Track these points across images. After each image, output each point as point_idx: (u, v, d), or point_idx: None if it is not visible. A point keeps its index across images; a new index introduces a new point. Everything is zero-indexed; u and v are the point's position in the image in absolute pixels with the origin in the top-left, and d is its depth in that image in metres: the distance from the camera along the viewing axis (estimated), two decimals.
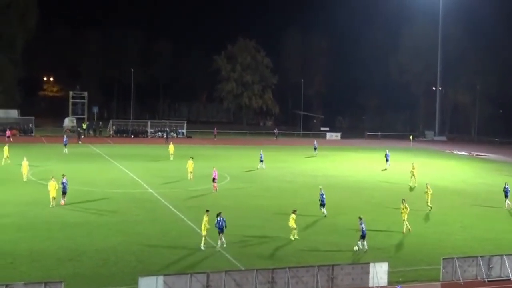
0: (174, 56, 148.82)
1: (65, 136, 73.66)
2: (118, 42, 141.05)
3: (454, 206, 42.48)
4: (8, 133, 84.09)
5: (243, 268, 25.01)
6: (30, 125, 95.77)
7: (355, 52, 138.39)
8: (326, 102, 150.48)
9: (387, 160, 63.58)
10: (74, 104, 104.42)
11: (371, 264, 24.38)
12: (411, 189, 49.26)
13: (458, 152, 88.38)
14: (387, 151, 64.99)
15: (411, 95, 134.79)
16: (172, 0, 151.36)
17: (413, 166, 52.60)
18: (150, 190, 44.20)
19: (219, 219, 28.19)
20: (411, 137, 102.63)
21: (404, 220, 33.29)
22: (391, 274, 24.54)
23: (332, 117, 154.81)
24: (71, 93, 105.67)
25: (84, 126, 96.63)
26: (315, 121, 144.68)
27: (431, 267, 26.52)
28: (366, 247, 28.64)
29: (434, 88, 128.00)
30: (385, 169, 61.58)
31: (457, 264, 25.17)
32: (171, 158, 63.94)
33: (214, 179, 43.86)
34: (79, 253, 26.95)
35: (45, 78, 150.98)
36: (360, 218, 29.13)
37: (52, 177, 37.19)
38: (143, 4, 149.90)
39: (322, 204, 36.27)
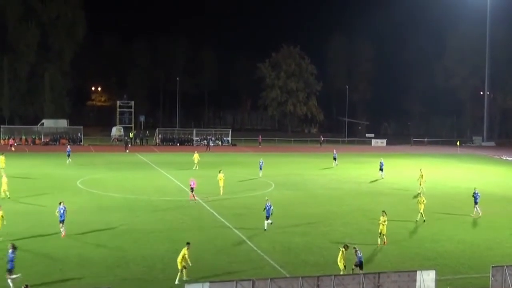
0: (219, 65, 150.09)
1: (68, 146, 72.34)
2: (164, 52, 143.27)
3: (504, 213, 41.58)
4: (11, 141, 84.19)
5: (288, 276, 25.04)
6: (79, 134, 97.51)
7: (400, 57, 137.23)
8: (371, 108, 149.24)
9: (381, 169, 58.39)
10: (121, 113, 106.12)
11: (418, 272, 24.01)
12: (415, 196, 46.12)
13: (507, 158, 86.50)
14: (382, 160, 60.08)
15: (458, 100, 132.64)
16: (216, 10, 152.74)
17: (421, 172, 50.73)
18: (196, 198, 44.53)
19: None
20: (458, 143, 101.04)
21: (382, 233, 30.93)
22: (438, 282, 24.13)
23: (377, 124, 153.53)
24: (118, 102, 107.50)
25: (131, 135, 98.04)
26: (360, 127, 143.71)
27: (480, 275, 26.02)
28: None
29: (481, 92, 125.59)
30: (376, 180, 57.15)
31: (507, 273, 24.58)
32: (196, 168, 62.67)
33: (192, 188, 42.80)
34: (126, 260, 27.36)
35: (93, 88, 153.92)
36: (355, 248, 26.09)
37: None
38: (189, 14, 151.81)
39: (267, 216, 33.87)
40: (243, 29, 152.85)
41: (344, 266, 25.43)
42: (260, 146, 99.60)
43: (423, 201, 37.46)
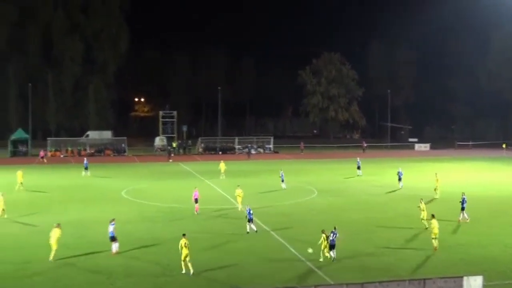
0: (259, 72, 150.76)
1: (85, 158, 70.30)
2: (204, 61, 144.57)
3: None
4: (41, 153, 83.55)
5: (332, 282, 24.92)
6: (123, 145, 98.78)
7: (442, 60, 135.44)
8: (414, 112, 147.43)
9: (399, 179, 55.17)
10: (164, 123, 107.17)
11: (465, 278, 23.66)
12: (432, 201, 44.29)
13: None
14: (400, 169, 56.83)
15: (503, 102, 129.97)
16: (255, 18, 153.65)
17: (436, 176, 49.87)
18: (238, 206, 44.71)
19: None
20: (504, 146, 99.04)
21: (434, 238, 30.64)
22: None
23: (421, 128, 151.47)
24: (161, 112, 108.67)
25: (174, 145, 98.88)
26: (403, 132, 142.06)
27: None
28: (334, 255, 28.83)
29: None
30: (395, 190, 53.80)
31: None
32: (222, 177, 62.18)
33: (196, 200, 41.68)
34: (171, 268, 27.64)
35: (136, 99, 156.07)
36: (335, 228, 29.36)
37: (58, 224, 30.87)
38: (227, 23, 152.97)
39: (250, 219, 34.89)
40: (282, 36, 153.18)
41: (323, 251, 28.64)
42: (302, 153, 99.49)
43: (423, 207, 36.48)
